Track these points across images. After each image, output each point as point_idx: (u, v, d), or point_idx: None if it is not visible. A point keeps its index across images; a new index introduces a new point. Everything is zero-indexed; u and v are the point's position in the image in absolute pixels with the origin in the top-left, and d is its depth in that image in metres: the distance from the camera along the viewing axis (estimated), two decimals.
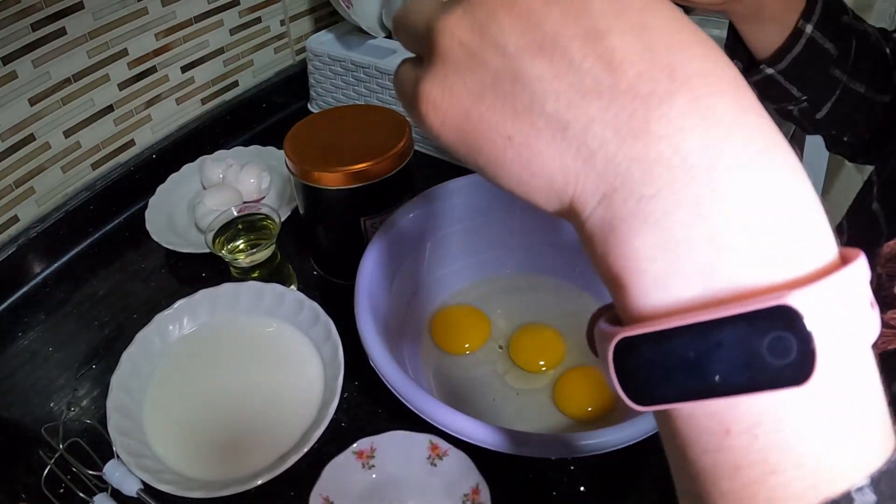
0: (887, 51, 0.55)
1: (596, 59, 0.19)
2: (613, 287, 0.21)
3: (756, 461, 0.19)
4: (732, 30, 0.55)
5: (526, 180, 0.22)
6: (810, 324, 0.17)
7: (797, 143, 1.13)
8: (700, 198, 0.18)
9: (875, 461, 0.19)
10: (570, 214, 0.22)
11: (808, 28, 0.50)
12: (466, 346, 0.65)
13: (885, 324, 0.37)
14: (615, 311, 0.21)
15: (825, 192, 1.46)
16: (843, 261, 0.19)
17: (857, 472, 0.18)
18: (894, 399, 0.22)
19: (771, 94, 0.55)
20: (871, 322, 0.18)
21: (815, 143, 1.30)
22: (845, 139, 0.58)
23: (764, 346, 0.17)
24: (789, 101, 0.55)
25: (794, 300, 0.17)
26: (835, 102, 0.54)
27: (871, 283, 0.19)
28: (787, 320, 0.17)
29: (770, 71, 0.53)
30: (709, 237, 0.18)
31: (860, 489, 0.18)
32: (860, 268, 0.18)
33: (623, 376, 0.20)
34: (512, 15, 0.21)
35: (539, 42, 0.20)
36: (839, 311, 0.18)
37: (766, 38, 0.52)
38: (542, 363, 0.62)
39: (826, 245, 0.19)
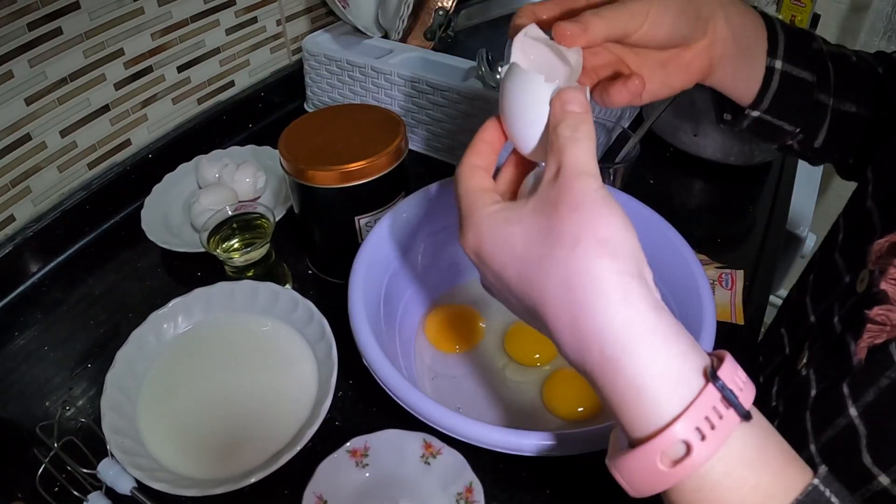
0: (880, 70, 0.55)
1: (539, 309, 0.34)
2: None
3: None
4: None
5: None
6: (615, 474, 0.32)
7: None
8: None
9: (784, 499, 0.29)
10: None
11: (778, 63, 0.50)
12: (457, 346, 0.65)
13: (871, 320, 0.38)
14: None
15: (821, 192, 1.46)
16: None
17: None
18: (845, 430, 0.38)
19: (767, 134, 0.55)
20: (668, 479, 0.29)
21: None
22: (850, 162, 0.58)
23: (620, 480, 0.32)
24: (785, 136, 0.55)
25: (608, 462, 0.33)
26: (829, 128, 0.54)
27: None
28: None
29: (756, 114, 0.52)
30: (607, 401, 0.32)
31: None
32: (650, 451, 0.29)
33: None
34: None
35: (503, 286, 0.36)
36: (627, 471, 0.31)
37: (744, 89, 0.51)
38: (537, 356, 0.62)
39: (647, 421, 0.30)
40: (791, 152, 0.58)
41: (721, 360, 0.31)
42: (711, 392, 0.29)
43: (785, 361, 0.54)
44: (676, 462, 0.29)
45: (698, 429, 0.28)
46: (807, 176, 1.34)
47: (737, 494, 0.29)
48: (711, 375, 0.29)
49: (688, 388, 0.29)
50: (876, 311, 0.38)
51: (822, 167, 1.41)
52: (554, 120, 0.36)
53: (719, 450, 0.29)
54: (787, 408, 0.49)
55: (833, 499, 0.29)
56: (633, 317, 0.30)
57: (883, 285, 0.38)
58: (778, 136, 0.55)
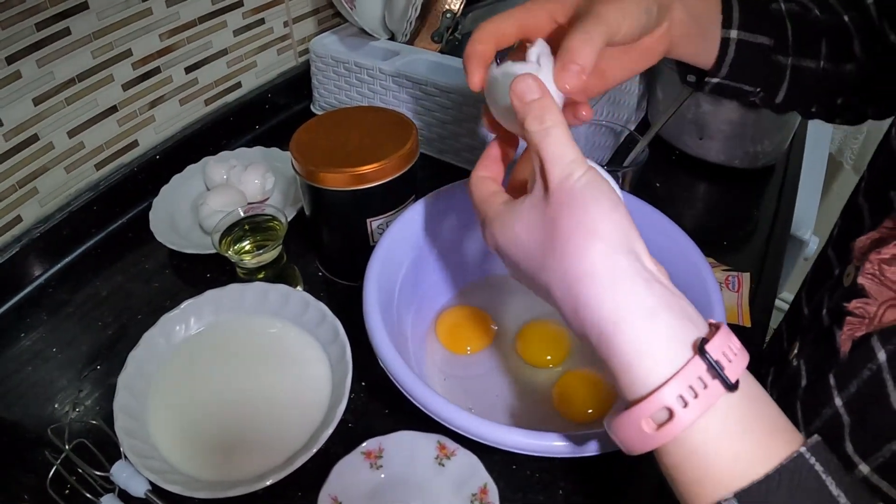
0: (846, 19, 0.55)
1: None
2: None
3: (682, 471, 0.33)
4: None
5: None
6: (610, 433, 0.36)
7: (797, 149, 1.13)
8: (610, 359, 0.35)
9: (739, 481, 0.31)
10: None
11: (733, 33, 0.51)
12: (468, 347, 0.65)
13: (850, 313, 0.40)
14: None
15: (824, 195, 1.47)
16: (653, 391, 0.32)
17: (723, 488, 0.31)
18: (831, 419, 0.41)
19: (728, 95, 0.57)
20: (651, 436, 0.32)
21: (813, 145, 1.31)
22: (813, 110, 0.60)
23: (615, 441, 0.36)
24: (747, 95, 0.56)
25: (605, 421, 0.36)
26: (789, 85, 0.55)
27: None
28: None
29: (715, 80, 0.54)
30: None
31: (727, 500, 0.31)
32: (639, 412, 0.32)
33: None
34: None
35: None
36: (617, 431, 0.35)
37: (705, 60, 0.53)
38: (548, 357, 0.62)
39: (643, 385, 0.33)
40: (755, 106, 0.61)
41: (716, 330, 0.33)
42: (697, 363, 0.32)
43: (780, 352, 0.56)
44: (660, 426, 0.32)
45: (681, 396, 0.31)
46: (810, 179, 1.35)
47: (718, 460, 0.31)
48: (700, 348, 0.32)
49: (674, 361, 0.32)
50: (854, 304, 0.40)
51: (824, 169, 1.42)
52: (519, 117, 0.38)
53: (701, 418, 0.31)
54: (779, 397, 0.50)
55: (818, 467, 0.30)
56: (622, 300, 0.33)
57: (861, 279, 0.40)
58: (739, 95, 0.57)
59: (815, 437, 0.32)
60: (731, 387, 0.31)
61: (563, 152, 0.36)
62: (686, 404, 0.31)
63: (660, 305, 0.33)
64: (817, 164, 1.41)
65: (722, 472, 0.31)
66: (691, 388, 0.31)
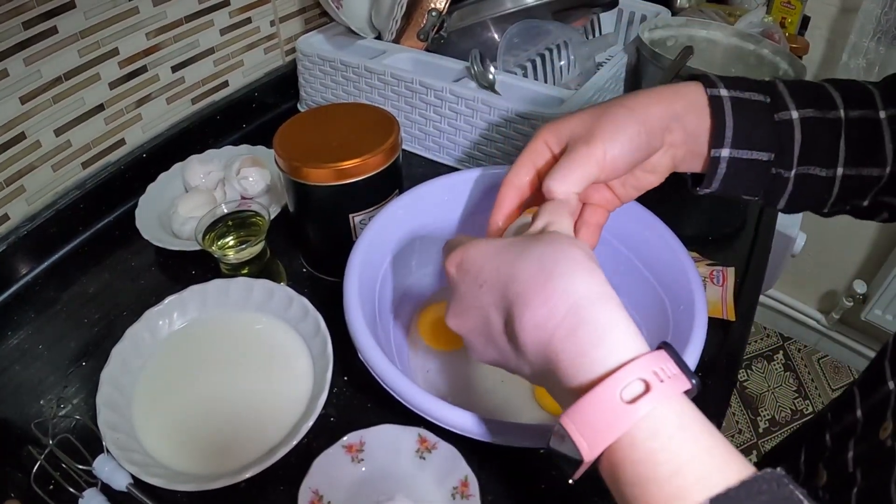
0: (881, 115, 0.49)
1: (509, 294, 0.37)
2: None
3: (649, 466, 0.30)
4: None
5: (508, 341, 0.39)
6: (568, 429, 0.32)
7: None
8: (546, 372, 0.35)
9: (712, 484, 0.28)
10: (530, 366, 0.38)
11: (724, 152, 0.48)
12: (450, 344, 0.65)
13: None
14: None
15: None
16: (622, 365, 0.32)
17: (698, 493, 0.28)
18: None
19: (727, 199, 0.54)
20: (626, 411, 0.30)
21: None
22: (825, 212, 0.55)
23: (567, 446, 0.33)
24: (746, 201, 0.55)
25: (561, 418, 0.32)
26: (792, 193, 0.51)
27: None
28: (563, 430, 0.32)
29: (706, 191, 0.52)
30: (555, 383, 0.35)
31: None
32: (610, 386, 0.31)
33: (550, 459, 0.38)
34: (461, 325, 0.42)
35: (473, 331, 0.41)
36: (588, 417, 0.31)
37: (692, 165, 0.51)
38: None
39: (615, 359, 0.32)
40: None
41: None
42: (662, 352, 0.33)
43: (859, 425, 0.54)
44: (634, 399, 0.30)
45: (655, 373, 0.31)
46: None
47: (692, 449, 0.30)
48: (663, 344, 0.33)
49: (643, 344, 0.33)
50: None
51: None
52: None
53: (674, 399, 0.31)
54: (866, 476, 0.49)
55: (798, 491, 0.28)
56: (600, 286, 0.35)
57: None
58: (739, 200, 0.56)
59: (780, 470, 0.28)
60: (694, 384, 0.32)
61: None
62: (661, 380, 0.31)
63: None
64: None
65: (696, 466, 0.29)
66: (662, 370, 0.31)
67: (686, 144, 0.49)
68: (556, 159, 0.47)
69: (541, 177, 0.47)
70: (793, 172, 0.49)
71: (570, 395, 0.33)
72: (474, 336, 0.40)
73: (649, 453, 0.30)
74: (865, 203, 0.51)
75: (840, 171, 0.49)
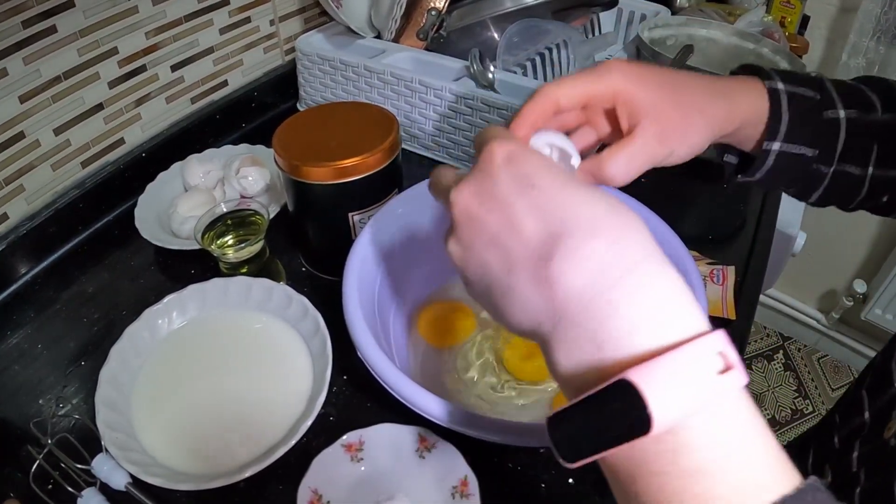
0: None
1: (516, 242, 0.31)
2: (561, 386, 0.30)
3: (660, 500, 0.26)
4: None
5: (508, 322, 0.33)
6: (643, 390, 0.25)
7: None
8: (579, 316, 0.28)
9: (767, 494, 0.25)
10: (528, 336, 0.32)
11: (775, 146, 0.49)
12: (451, 340, 0.65)
13: None
14: None
15: None
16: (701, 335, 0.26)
17: (752, 499, 0.25)
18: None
19: (761, 188, 0.55)
20: (716, 384, 0.25)
21: None
22: (850, 208, 0.57)
23: (617, 410, 0.26)
24: (778, 190, 0.56)
25: (630, 374, 0.25)
26: (825, 189, 0.53)
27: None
28: (625, 390, 0.25)
29: (747, 179, 0.53)
30: (591, 340, 0.28)
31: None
32: (700, 345, 0.26)
33: (556, 443, 0.28)
34: (472, 224, 0.33)
35: (488, 240, 0.32)
36: (672, 379, 0.25)
37: (749, 145, 0.51)
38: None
39: (675, 329, 0.27)
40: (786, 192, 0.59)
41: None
42: (721, 332, 0.27)
43: (866, 427, 0.54)
44: (722, 373, 0.26)
45: (727, 353, 0.26)
46: None
47: (759, 444, 0.26)
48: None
49: (703, 319, 0.28)
50: None
51: None
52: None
53: (744, 385, 0.26)
54: (869, 476, 0.49)
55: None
56: (650, 239, 0.30)
57: None
58: (772, 190, 0.55)
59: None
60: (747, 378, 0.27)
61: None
62: (733, 363, 0.26)
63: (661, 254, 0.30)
64: None
65: (760, 463, 0.26)
66: (731, 351, 0.26)
67: (736, 137, 0.49)
68: (610, 116, 0.45)
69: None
70: (831, 169, 0.51)
71: (614, 355, 0.27)
72: (487, 248, 0.32)
73: (722, 440, 0.25)
74: (885, 199, 0.54)
75: (871, 170, 0.51)
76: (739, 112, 0.47)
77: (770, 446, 0.26)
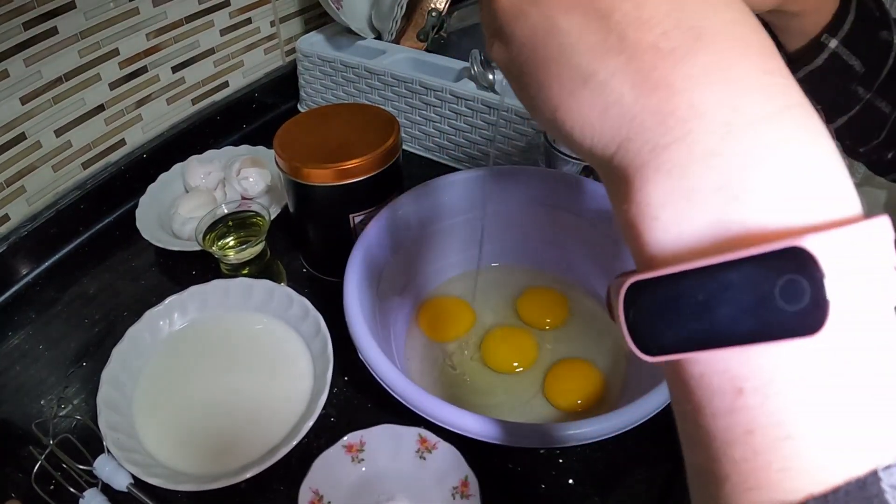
0: None
1: (623, 15, 0.20)
2: (629, 236, 0.21)
3: (770, 424, 0.18)
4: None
5: (557, 125, 0.23)
6: (825, 268, 0.16)
7: None
8: (713, 149, 0.19)
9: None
10: (595, 163, 0.23)
11: (833, 43, 0.46)
12: (453, 334, 0.66)
13: None
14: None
15: None
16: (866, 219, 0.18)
17: (885, 450, 0.17)
18: None
19: None
20: (892, 282, 0.17)
21: None
22: (861, 150, 0.54)
23: (776, 289, 0.17)
24: None
25: (809, 243, 0.17)
26: (852, 117, 0.50)
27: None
28: (800, 263, 0.17)
29: None
30: (720, 186, 0.18)
31: (889, 468, 0.17)
32: (882, 225, 0.17)
33: (633, 325, 0.20)
34: None
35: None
36: (856, 262, 0.17)
37: (791, 39, 0.48)
38: (515, 364, 0.63)
39: (845, 198, 0.18)
40: None
41: None
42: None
43: None
44: None
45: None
46: None
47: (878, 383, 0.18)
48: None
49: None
50: None
51: None
52: None
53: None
54: None
55: None
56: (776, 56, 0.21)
57: None
58: None
59: None
60: None
61: None
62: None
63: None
64: None
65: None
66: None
67: (795, 23, 0.46)
68: None
69: None
70: (868, 95, 0.48)
71: (751, 215, 0.18)
72: (567, 8, 0.21)
73: (886, 359, 0.18)
74: (891, 155, 0.51)
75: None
76: None
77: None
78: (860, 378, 0.17)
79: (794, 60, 0.48)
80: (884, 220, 0.17)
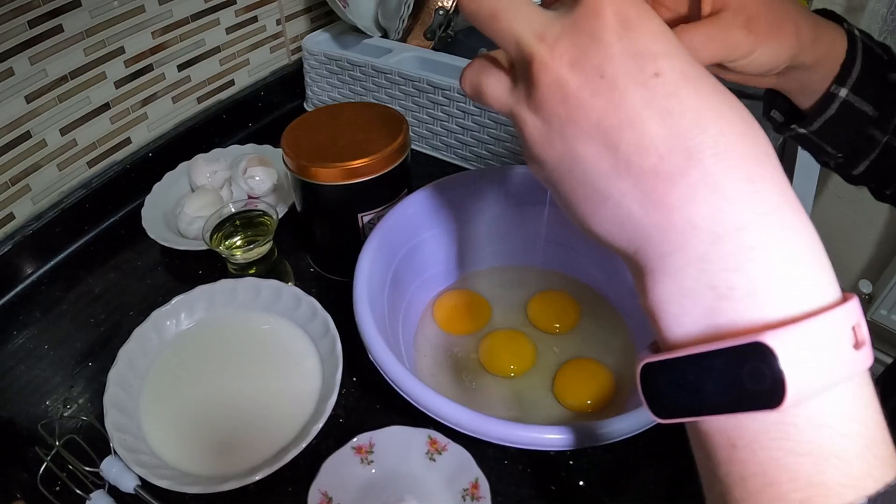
0: None
1: (628, 145, 0.24)
2: (650, 320, 0.26)
3: (756, 473, 0.23)
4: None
5: (587, 230, 0.28)
6: (781, 357, 0.21)
7: (790, 153, 1.14)
8: (703, 256, 0.23)
9: (872, 485, 0.22)
10: (620, 257, 0.28)
11: (843, 92, 0.46)
12: (467, 328, 0.65)
13: None
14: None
15: (817, 194, 1.47)
16: (839, 302, 0.23)
17: (852, 491, 0.22)
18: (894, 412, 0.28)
19: (807, 147, 0.53)
20: (851, 360, 0.22)
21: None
22: (888, 192, 0.54)
23: (744, 374, 0.22)
24: (824, 155, 0.52)
25: (768, 338, 0.21)
26: (873, 161, 0.51)
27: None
28: (761, 354, 0.21)
29: (802, 131, 0.50)
30: (711, 286, 0.23)
31: None
32: (840, 314, 0.22)
33: (647, 393, 0.26)
34: (567, 105, 0.26)
35: (587, 130, 0.25)
36: (810, 350, 0.22)
37: (807, 98, 0.49)
38: (513, 367, 0.62)
39: (816, 287, 0.23)
40: (826, 167, 0.56)
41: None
42: (856, 302, 0.24)
43: None
44: (857, 346, 0.23)
45: (859, 326, 0.23)
46: (804, 180, 1.35)
47: (873, 433, 0.23)
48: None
49: (835, 285, 0.24)
50: None
51: (818, 169, 1.42)
52: None
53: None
54: None
55: None
56: (790, 187, 0.25)
57: None
58: (817, 153, 0.53)
59: None
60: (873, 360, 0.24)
61: None
62: (864, 339, 0.23)
63: (800, 208, 0.25)
64: (811, 163, 1.40)
65: (872, 455, 0.23)
66: (858, 325, 0.23)
67: (804, 79, 0.47)
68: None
69: None
70: (885, 138, 0.49)
71: (736, 310, 0.23)
72: (584, 140, 0.26)
73: (846, 420, 0.23)
74: None
75: None
76: (823, 43, 0.44)
77: (884, 431, 0.24)
78: (827, 436, 0.22)
79: (809, 115, 0.49)
80: (840, 311, 0.22)
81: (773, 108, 0.53)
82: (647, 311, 0.26)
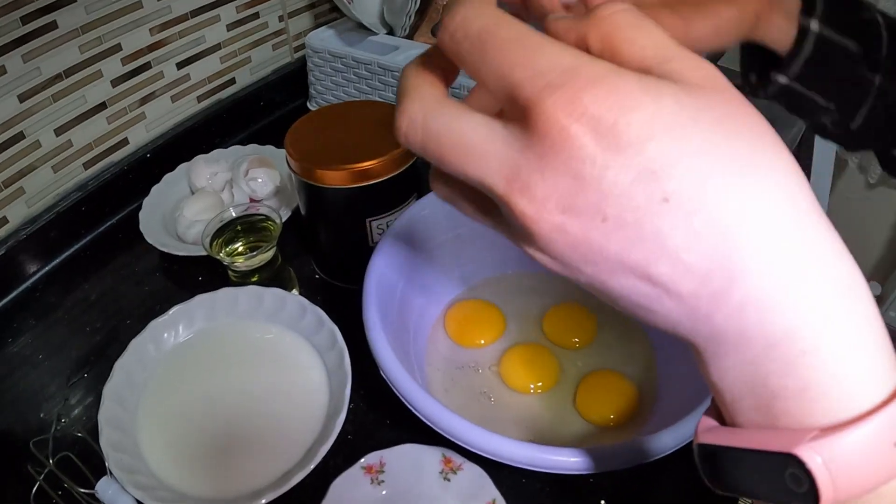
0: None
1: (660, 275, 0.22)
2: (712, 392, 0.26)
3: None
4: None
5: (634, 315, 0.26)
6: (814, 470, 0.21)
7: (806, 146, 1.11)
8: (756, 359, 0.23)
9: None
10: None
11: (814, 24, 0.44)
12: (481, 340, 0.63)
13: None
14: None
15: (832, 196, 1.45)
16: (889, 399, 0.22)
17: None
18: None
19: (795, 106, 0.49)
20: (884, 466, 0.21)
21: (822, 144, 1.29)
22: (895, 153, 0.51)
23: (785, 475, 0.22)
24: (818, 112, 0.49)
25: (802, 451, 0.21)
26: (871, 109, 0.47)
27: None
28: (797, 463, 0.22)
29: (783, 80, 0.47)
30: (764, 385, 0.23)
31: None
32: (886, 416, 0.21)
33: (704, 465, 0.26)
34: (579, 250, 0.23)
35: (611, 268, 0.23)
36: (848, 461, 0.21)
37: (782, 44, 0.47)
38: (538, 384, 0.60)
39: (865, 388, 0.22)
40: (825, 134, 0.53)
41: None
42: None
43: None
44: None
45: None
46: (819, 179, 1.33)
47: None
48: None
49: (887, 378, 0.23)
50: None
51: (831, 169, 1.40)
52: None
53: None
54: None
55: None
56: (856, 267, 0.25)
57: None
58: (808, 109, 0.49)
59: None
60: None
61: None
62: None
63: (857, 283, 0.23)
64: (826, 163, 1.39)
65: None
66: None
67: (773, 26, 0.45)
68: None
69: None
70: (877, 78, 0.46)
71: (786, 409, 0.23)
72: (612, 276, 0.23)
73: None
74: None
75: None
76: None
77: None
78: None
79: (786, 59, 0.46)
80: (879, 419, 0.21)
81: (748, 73, 0.51)
82: (710, 385, 0.26)
